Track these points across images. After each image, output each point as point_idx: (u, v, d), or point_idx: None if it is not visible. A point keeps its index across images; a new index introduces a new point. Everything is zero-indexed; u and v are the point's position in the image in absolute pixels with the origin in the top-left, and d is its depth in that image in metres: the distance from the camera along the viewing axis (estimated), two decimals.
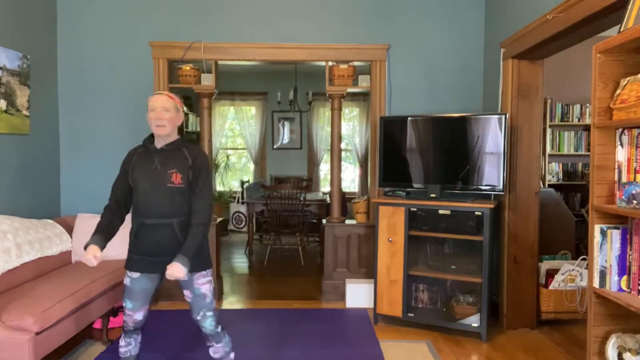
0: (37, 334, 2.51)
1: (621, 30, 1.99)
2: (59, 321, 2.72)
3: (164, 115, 2.25)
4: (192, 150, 2.34)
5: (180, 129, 2.51)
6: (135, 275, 2.33)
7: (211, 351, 2.44)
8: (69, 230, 3.81)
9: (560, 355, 3.16)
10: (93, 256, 2.21)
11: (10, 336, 2.43)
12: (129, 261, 2.35)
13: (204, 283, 2.34)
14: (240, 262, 5.95)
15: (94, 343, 3.28)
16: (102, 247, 2.28)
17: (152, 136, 2.37)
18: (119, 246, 3.79)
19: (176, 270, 2.15)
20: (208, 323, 2.36)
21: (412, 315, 3.58)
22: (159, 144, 2.32)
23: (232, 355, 2.48)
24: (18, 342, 2.43)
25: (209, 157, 2.41)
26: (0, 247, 2.94)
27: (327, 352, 3.16)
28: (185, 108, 7.26)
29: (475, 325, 3.38)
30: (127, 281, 2.35)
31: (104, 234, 2.32)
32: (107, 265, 3.53)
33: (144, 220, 2.26)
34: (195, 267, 2.28)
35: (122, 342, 2.44)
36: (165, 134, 2.28)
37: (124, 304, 2.37)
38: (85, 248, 2.25)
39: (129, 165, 2.36)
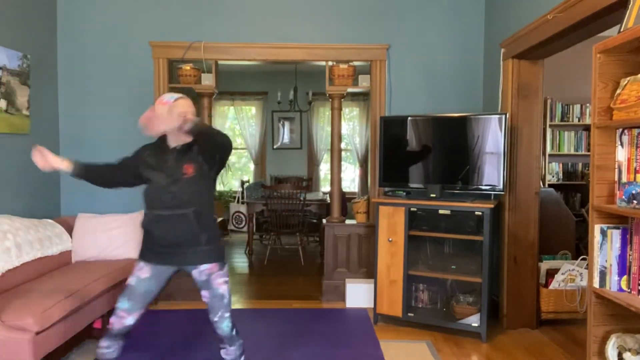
0: (37, 334, 2.51)
1: (621, 30, 1.99)
2: (59, 321, 2.72)
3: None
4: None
5: None
6: (145, 275, 2.30)
7: (223, 352, 2.41)
8: (69, 230, 3.81)
9: (560, 355, 3.16)
10: (43, 154, 2.25)
11: (10, 336, 2.43)
12: (143, 252, 2.34)
13: (221, 283, 2.32)
14: (240, 262, 5.95)
15: (94, 343, 3.28)
16: (72, 167, 2.31)
17: (163, 135, 2.35)
18: (118, 246, 3.81)
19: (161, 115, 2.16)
20: (225, 325, 2.34)
21: (412, 315, 3.58)
22: (173, 142, 2.31)
23: (242, 358, 2.46)
24: (18, 342, 2.43)
25: None
26: (0, 247, 2.94)
27: (327, 352, 3.16)
28: None
29: (475, 325, 3.38)
30: (132, 281, 2.32)
31: (88, 166, 2.38)
32: (107, 265, 3.53)
33: (159, 212, 2.24)
34: (211, 256, 2.28)
35: (102, 343, 2.35)
36: (190, 139, 2.25)
37: (118, 305, 2.31)
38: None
39: (139, 160, 2.36)
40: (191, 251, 2.27)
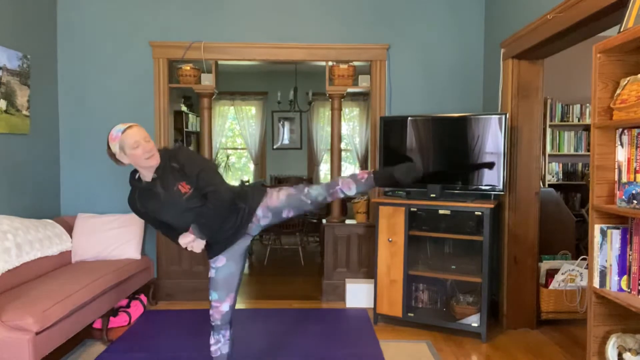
0: (37, 334, 2.51)
1: (621, 30, 1.99)
2: (59, 321, 2.72)
3: (150, 145, 2.12)
4: (172, 158, 2.20)
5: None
6: (221, 263, 2.37)
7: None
8: (69, 230, 3.81)
9: (560, 355, 3.16)
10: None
11: (10, 336, 2.43)
12: (209, 250, 2.37)
13: (274, 200, 2.39)
14: None
15: (94, 343, 3.28)
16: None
17: (133, 174, 2.26)
18: (118, 246, 3.81)
19: (187, 241, 2.20)
20: (313, 197, 2.42)
21: (412, 315, 3.58)
22: (148, 176, 2.19)
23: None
24: (18, 342, 2.43)
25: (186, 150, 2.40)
26: (0, 247, 2.94)
27: (327, 352, 3.16)
28: (185, 108, 7.26)
29: (475, 325, 3.38)
30: (211, 273, 2.39)
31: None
32: (107, 265, 3.53)
33: (197, 227, 2.20)
34: (246, 216, 2.33)
35: (211, 340, 2.45)
36: (156, 162, 2.15)
37: (210, 298, 2.40)
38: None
39: (142, 213, 2.31)
40: (237, 230, 2.34)
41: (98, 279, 3.20)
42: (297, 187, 2.41)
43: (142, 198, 2.23)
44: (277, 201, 2.37)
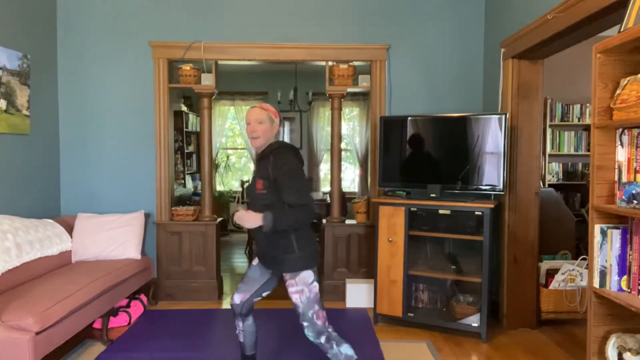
0: (37, 334, 2.51)
1: (621, 30, 1.99)
2: (59, 321, 2.72)
3: (257, 128, 2.36)
4: (276, 157, 2.32)
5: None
6: (255, 262, 2.56)
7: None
8: (69, 230, 3.81)
9: (560, 355, 3.16)
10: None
11: (10, 336, 2.43)
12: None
13: (293, 292, 2.35)
14: (240, 262, 5.95)
15: (94, 343, 3.28)
16: None
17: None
18: (118, 246, 3.81)
19: (242, 217, 2.26)
20: (306, 332, 2.38)
21: (412, 315, 3.58)
22: (257, 152, 2.46)
23: None
24: (18, 342, 2.43)
25: (291, 160, 2.43)
26: (0, 247, 2.94)
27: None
28: (185, 108, 7.26)
29: (475, 325, 3.38)
30: (248, 268, 2.59)
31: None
32: (107, 265, 3.53)
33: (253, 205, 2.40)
34: (279, 265, 2.38)
35: (236, 324, 2.64)
36: (258, 145, 2.39)
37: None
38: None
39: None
40: (274, 260, 2.41)
41: (98, 279, 3.20)
42: (301, 312, 2.37)
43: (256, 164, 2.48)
44: (299, 297, 2.36)
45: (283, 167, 2.30)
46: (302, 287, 2.33)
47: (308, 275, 2.35)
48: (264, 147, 2.40)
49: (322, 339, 2.36)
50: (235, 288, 4.44)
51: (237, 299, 2.54)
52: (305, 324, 2.35)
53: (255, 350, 2.70)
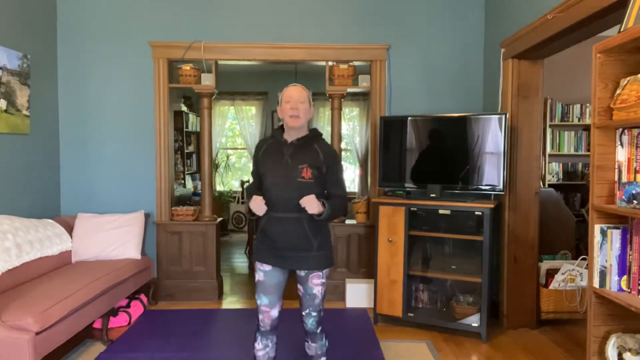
0: (37, 334, 2.51)
1: (621, 30, 1.99)
2: (59, 321, 2.72)
3: (300, 106, 2.20)
4: (323, 146, 2.30)
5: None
6: (268, 267, 2.31)
7: (305, 346, 2.46)
8: (69, 230, 3.81)
9: (560, 355, 3.16)
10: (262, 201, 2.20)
11: (10, 336, 2.43)
12: (259, 252, 2.33)
13: (318, 284, 2.32)
14: (240, 262, 5.95)
15: (94, 343, 3.28)
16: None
17: (281, 128, 2.32)
18: (118, 246, 3.81)
19: (311, 201, 2.11)
20: (310, 322, 2.36)
21: (412, 315, 3.58)
22: (290, 137, 2.27)
23: (323, 359, 2.47)
24: (18, 342, 2.43)
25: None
26: (0, 247, 2.94)
27: (327, 352, 3.15)
28: (185, 108, 7.26)
29: (475, 325, 3.38)
30: (260, 276, 2.32)
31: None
32: (107, 265, 3.53)
33: (273, 213, 2.23)
34: (321, 263, 2.29)
35: (258, 345, 2.37)
36: (299, 125, 2.22)
37: (258, 302, 2.33)
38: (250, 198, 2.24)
39: (258, 157, 2.35)
40: (303, 256, 2.26)
41: (98, 279, 3.20)
42: (317, 303, 2.35)
43: (269, 150, 2.30)
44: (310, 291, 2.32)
45: (336, 157, 2.30)
46: (325, 279, 2.35)
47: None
48: (300, 131, 2.26)
49: (319, 329, 2.40)
50: (235, 291, 4.43)
51: (276, 312, 2.32)
52: (314, 313, 2.35)
53: None
